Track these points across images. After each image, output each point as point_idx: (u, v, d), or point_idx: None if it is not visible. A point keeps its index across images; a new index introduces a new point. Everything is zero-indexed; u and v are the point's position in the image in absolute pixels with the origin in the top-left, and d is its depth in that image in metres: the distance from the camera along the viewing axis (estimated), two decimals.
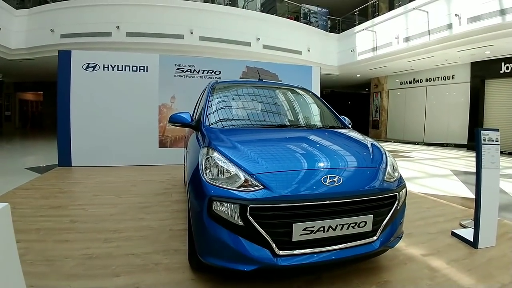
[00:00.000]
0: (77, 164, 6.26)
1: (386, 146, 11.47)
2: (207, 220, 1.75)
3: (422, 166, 7.65)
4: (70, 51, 6.37)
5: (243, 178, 1.77)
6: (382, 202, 1.92)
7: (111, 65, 6.45)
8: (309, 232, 1.70)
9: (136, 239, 2.73)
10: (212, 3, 13.61)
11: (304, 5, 14.54)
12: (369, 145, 2.32)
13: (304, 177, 1.84)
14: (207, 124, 2.54)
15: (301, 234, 1.69)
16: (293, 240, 1.69)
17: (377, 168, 2.05)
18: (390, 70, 13.92)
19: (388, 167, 2.10)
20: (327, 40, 14.09)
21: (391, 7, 12.28)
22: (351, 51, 13.27)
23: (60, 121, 6.28)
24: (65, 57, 6.23)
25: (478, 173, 2.54)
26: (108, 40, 10.95)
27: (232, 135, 2.30)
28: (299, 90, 3.42)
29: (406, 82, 14.53)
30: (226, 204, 1.70)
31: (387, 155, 2.25)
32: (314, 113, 3.15)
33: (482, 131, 2.59)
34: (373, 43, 12.21)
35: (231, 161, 1.87)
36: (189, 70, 6.86)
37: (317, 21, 14.54)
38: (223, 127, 2.56)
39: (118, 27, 10.93)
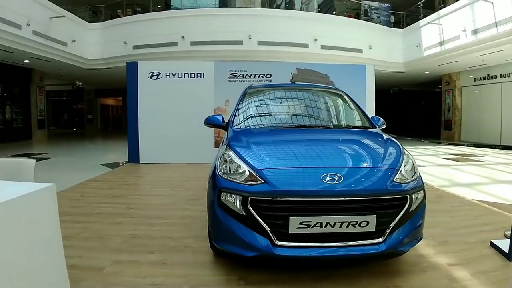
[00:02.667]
0: (144, 161, 7.10)
1: (454, 150, 10.62)
2: (217, 209, 1.98)
3: (490, 172, 6.80)
4: (137, 62, 7.29)
5: (248, 173, 1.95)
6: (388, 203, 1.89)
7: (172, 73, 7.18)
8: (306, 226, 1.78)
9: (176, 225, 3.11)
10: (270, 7, 14.00)
11: (364, 1, 13.95)
12: (385, 146, 2.29)
13: (304, 174, 1.95)
14: (233, 125, 2.78)
15: (298, 228, 1.79)
16: (289, 232, 1.80)
17: (386, 168, 2.03)
18: (461, 66, 12.51)
19: (402, 168, 2.05)
20: (390, 36, 13.29)
21: None
22: (417, 46, 12.30)
23: (130, 123, 7.22)
24: (132, 67, 7.15)
25: None
26: (174, 49, 12.04)
27: (250, 136, 2.50)
28: (330, 91, 3.46)
29: (480, 78, 12.88)
30: (232, 195, 1.90)
31: (405, 156, 2.19)
32: (340, 113, 3.16)
33: None
34: (440, 37, 11.15)
35: (242, 158, 2.07)
36: (241, 75, 7.24)
37: (379, 17, 13.81)
38: (246, 128, 2.77)
39: (183, 37, 11.94)
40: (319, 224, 1.78)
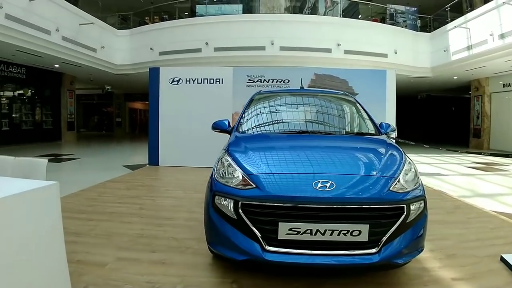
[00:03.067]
0: (163, 164, 7.30)
1: (480, 159, 10.04)
2: (212, 212, 2.02)
3: None
4: (159, 68, 7.55)
5: (241, 178, 1.98)
6: (382, 213, 1.85)
7: (192, 79, 7.37)
8: (296, 232, 1.77)
9: (182, 227, 3.18)
10: (294, 13, 14.04)
11: (390, 5, 13.65)
12: (385, 153, 2.24)
13: (295, 180, 1.95)
14: (236, 130, 2.83)
15: (287, 234, 1.78)
16: (279, 238, 1.80)
17: (382, 176, 1.97)
18: (489, 71, 11.88)
19: (401, 177, 1.99)
20: (416, 40, 12.89)
21: (486, 0, 10.57)
22: (444, 51, 11.83)
23: (151, 127, 7.47)
24: (155, 73, 7.42)
25: None
26: (198, 55, 12.36)
27: (250, 141, 2.52)
28: (339, 97, 3.42)
29: (509, 84, 12.14)
30: (225, 199, 1.94)
31: (406, 164, 2.12)
32: (346, 119, 3.12)
33: None
34: (468, 41, 10.65)
35: (237, 163, 2.10)
36: (259, 80, 7.29)
37: (405, 21, 13.44)
38: (248, 133, 2.80)
39: (207, 43, 12.25)
40: (309, 231, 1.76)
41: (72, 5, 10.81)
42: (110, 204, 4.01)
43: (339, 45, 11.79)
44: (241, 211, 1.85)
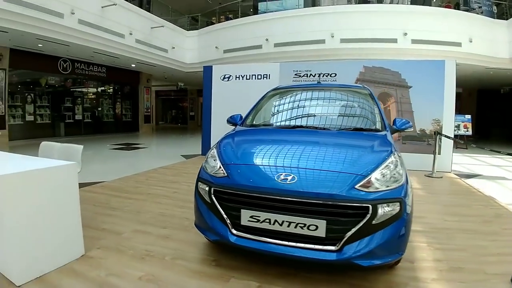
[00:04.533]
0: None
1: None
2: (196, 196, 2.27)
3: None
4: (212, 66, 8.11)
5: (218, 167, 2.18)
6: (342, 211, 1.81)
7: (241, 75, 7.76)
8: (256, 220, 1.90)
9: None
10: (356, 3, 13.35)
11: None
12: (368, 151, 2.16)
13: (260, 172, 2.05)
14: (242, 124, 3.02)
15: (248, 220, 1.92)
16: (241, 224, 1.95)
17: (348, 174, 1.93)
18: None
19: (373, 177, 1.91)
20: (494, 28, 11.04)
21: None
22: None
23: (204, 120, 8.11)
24: (208, 70, 8.01)
25: None
26: (259, 52, 12.73)
27: (242, 134, 2.68)
28: (354, 90, 3.31)
29: None
30: (204, 184, 2.17)
31: (390, 164, 2.01)
32: (353, 113, 2.98)
33: None
34: None
35: (219, 153, 2.31)
36: (305, 75, 7.29)
37: (480, 7, 11.65)
38: (249, 127, 2.95)
39: (267, 39, 12.53)
40: (267, 221, 1.87)
41: (143, 10, 12.16)
42: (152, 187, 4.60)
43: (405, 34, 10.84)
44: (213, 196, 2.07)
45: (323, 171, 1.98)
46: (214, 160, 2.28)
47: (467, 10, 11.63)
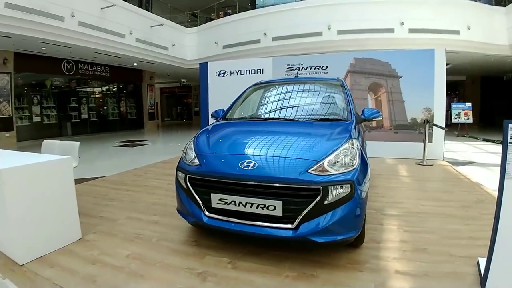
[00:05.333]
0: None
1: None
2: (176, 183, 2.53)
3: None
4: (207, 62, 8.34)
5: (193, 156, 2.43)
6: (296, 192, 2.01)
7: (236, 71, 7.98)
8: (223, 203, 2.14)
9: None
10: None
11: None
12: (327, 138, 2.36)
13: (226, 160, 2.30)
14: (220, 118, 3.25)
15: (217, 203, 2.16)
16: (212, 206, 2.20)
17: (303, 159, 2.12)
18: None
19: (326, 161, 2.11)
20: (492, 15, 10.96)
21: None
22: None
23: (202, 115, 8.37)
24: (204, 67, 8.26)
25: (500, 185, 1.86)
26: (257, 46, 12.88)
27: (217, 127, 2.90)
28: (328, 83, 3.49)
29: None
30: (181, 173, 2.42)
31: (342, 150, 2.20)
32: (322, 105, 3.16)
33: (510, 125, 1.88)
34: None
35: (195, 144, 2.56)
36: (297, 68, 7.46)
37: None
38: (226, 120, 3.18)
39: (265, 34, 12.67)
40: (233, 202, 2.11)
41: (142, 9, 12.44)
42: (150, 180, 4.89)
43: (402, 24, 10.86)
44: (188, 183, 2.32)
45: (281, 157, 2.19)
46: (190, 150, 2.52)
47: None
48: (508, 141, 1.91)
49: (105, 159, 7.77)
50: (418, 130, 6.56)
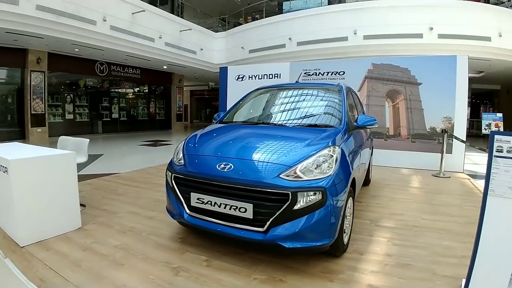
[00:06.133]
0: None
1: None
2: (166, 182, 2.66)
3: None
4: (227, 67, 8.55)
5: (180, 157, 2.56)
6: (265, 196, 2.03)
7: (254, 75, 8.12)
8: (201, 202, 2.24)
9: None
10: None
11: None
12: (306, 145, 2.32)
13: (206, 161, 2.39)
14: (218, 121, 3.36)
15: (196, 202, 2.26)
16: (191, 205, 2.30)
17: (276, 164, 2.13)
18: None
19: (298, 167, 2.10)
20: None
21: None
22: None
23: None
24: (224, 71, 8.48)
25: (483, 202, 1.75)
26: (282, 51, 12.96)
27: (209, 130, 3.00)
28: (326, 88, 3.46)
29: None
30: (169, 172, 2.55)
31: (320, 157, 2.18)
32: (314, 111, 3.13)
33: (497, 136, 1.77)
34: None
35: (184, 146, 2.67)
36: (314, 73, 7.45)
37: (510, 0, 10.85)
38: (221, 123, 3.27)
39: (290, 38, 12.73)
40: (209, 202, 2.20)
41: (172, 14, 12.97)
42: (159, 178, 5.12)
43: (431, 29, 10.47)
44: (174, 182, 2.45)
45: (255, 161, 2.23)
46: (180, 151, 2.66)
47: (496, 4, 10.94)
48: (494, 154, 1.84)
49: (126, 156, 8.20)
50: (437, 140, 6.28)
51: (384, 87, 6.77)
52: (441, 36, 10.40)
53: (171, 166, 2.58)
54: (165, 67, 14.42)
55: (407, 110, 6.58)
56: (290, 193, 1.99)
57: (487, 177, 1.80)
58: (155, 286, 1.98)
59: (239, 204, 2.09)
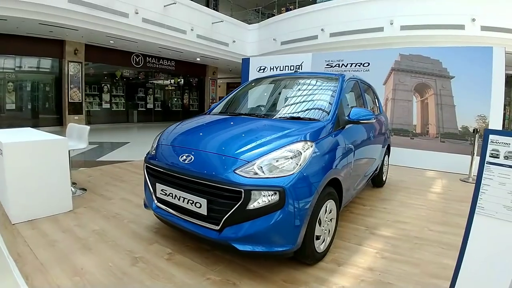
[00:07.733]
0: None
1: None
2: (144, 174, 2.67)
3: None
4: (249, 58, 8.46)
5: (154, 146, 2.55)
6: (218, 192, 1.92)
7: (275, 66, 7.96)
8: (164, 194, 2.20)
9: None
10: None
11: None
12: (273, 139, 2.12)
13: (172, 152, 2.32)
14: (207, 112, 3.28)
15: (160, 193, 2.24)
16: (156, 196, 2.29)
17: (234, 158, 1.99)
18: None
19: (257, 163, 1.93)
20: None
21: None
22: None
23: None
24: (246, 62, 8.43)
25: (469, 219, 1.49)
26: (315, 42, 12.56)
27: (189, 120, 2.91)
28: (325, 78, 3.23)
29: None
30: (144, 162, 2.55)
31: (285, 153, 1.99)
32: (303, 102, 2.90)
33: (493, 136, 1.46)
34: None
35: (160, 136, 2.63)
36: (337, 65, 7.09)
37: None
38: (207, 114, 3.18)
39: (322, 29, 12.29)
40: (171, 195, 2.16)
41: (204, 6, 13.07)
42: None
43: (473, 20, 9.47)
44: (145, 171, 2.46)
45: (214, 154, 2.10)
46: (155, 140, 2.65)
47: None
48: (487, 160, 1.50)
49: (150, 145, 8.52)
50: (469, 140, 5.68)
51: (412, 80, 6.24)
52: (484, 28, 9.36)
53: (146, 156, 2.59)
54: (198, 59, 14.67)
55: (437, 106, 6.01)
56: (242, 190, 1.84)
57: (476, 190, 1.50)
58: (109, 273, 2.01)
59: (194, 198, 2.02)
